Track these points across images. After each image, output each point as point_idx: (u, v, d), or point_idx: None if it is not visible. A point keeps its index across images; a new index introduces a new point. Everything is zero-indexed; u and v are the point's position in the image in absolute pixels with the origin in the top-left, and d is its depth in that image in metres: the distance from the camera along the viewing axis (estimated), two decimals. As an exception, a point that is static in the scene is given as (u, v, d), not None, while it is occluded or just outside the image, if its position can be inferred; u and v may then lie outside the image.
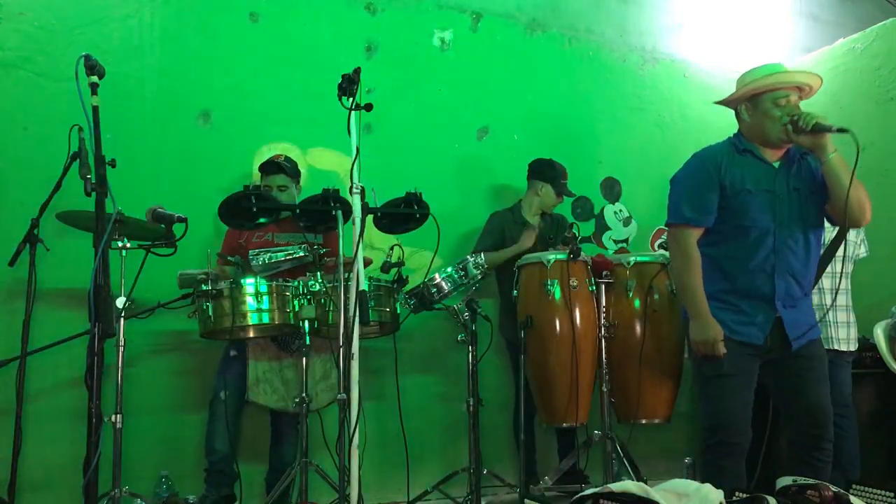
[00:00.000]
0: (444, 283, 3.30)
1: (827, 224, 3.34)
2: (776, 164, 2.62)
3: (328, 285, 3.04)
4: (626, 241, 4.92)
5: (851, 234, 3.46)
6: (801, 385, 2.60)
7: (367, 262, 3.25)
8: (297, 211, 2.92)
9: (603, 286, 3.57)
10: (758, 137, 2.61)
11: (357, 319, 2.40)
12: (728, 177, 2.58)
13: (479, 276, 3.36)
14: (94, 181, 2.18)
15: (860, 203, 2.52)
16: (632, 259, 3.58)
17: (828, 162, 2.48)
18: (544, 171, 4.07)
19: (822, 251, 3.31)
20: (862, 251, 3.59)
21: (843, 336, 3.40)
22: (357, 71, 2.64)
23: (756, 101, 2.60)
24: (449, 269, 3.33)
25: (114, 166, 2.26)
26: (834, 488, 2.02)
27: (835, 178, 2.48)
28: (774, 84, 2.56)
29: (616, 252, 4.78)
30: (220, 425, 3.33)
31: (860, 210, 2.53)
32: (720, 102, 2.76)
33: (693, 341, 2.59)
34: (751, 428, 2.59)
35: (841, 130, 2.41)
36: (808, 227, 2.61)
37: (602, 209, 4.86)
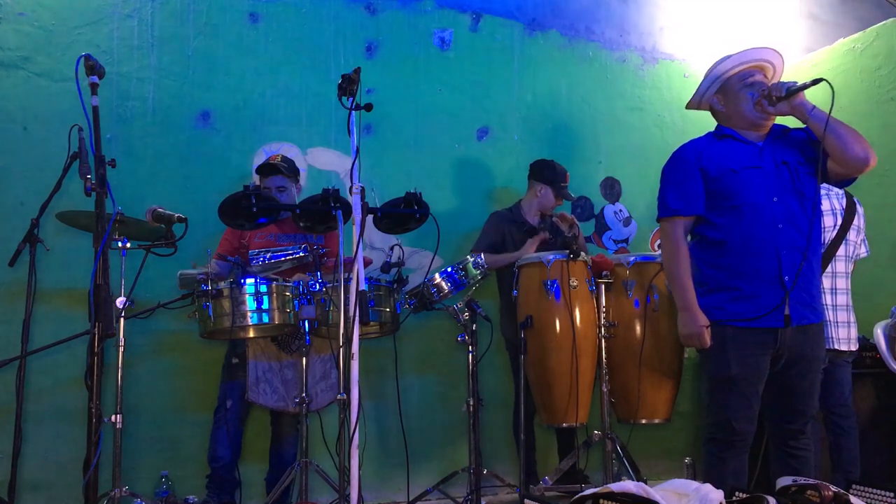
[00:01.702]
0: (444, 283, 3.30)
1: (827, 223, 3.35)
2: (760, 144, 2.63)
3: (328, 285, 3.05)
4: (626, 241, 4.92)
5: (852, 234, 3.46)
6: (795, 387, 2.61)
7: (366, 262, 3.25)
8: (297, 211, 2.91)
9: (603, 286, 3.57)
10: (738, 122, 2.63)
11: (357, 319, 2.40)
12: (708, 161, 2.61)
13: (479, 276, 3.36)
14: (94, 181, 2.18)
15: (861, 143, 2.48)
16: (632, 259, 3.58)
17: (811, 118, 2.49)
18: (544, 173, 4.07)
19: (822, 250, 3.32)
20: (862, 251, 3.59)
21: (843, 336, 3.39)
22: (357, 71, 2.63)
23: (725, 88, 2.64)
24: (449, 269, 3.33)
25: (114, 166, 2.26)
26: (834, 488, 2.02)
27: (821, 122, 2.46)
28: (735, 67, 2.61)
29: (616, 252, 4.78)
30: (223, 433, 3.33)
31: (864, 150, 2.48)
32: (691, 106, 2.80)
33: (680, 334, 2.61)
34: (755, 422, 2.58)
35: (814, 82, 2.44)
36: (804, 198, 2.59)
37: (602, 209, 4.86)
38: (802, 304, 2.55)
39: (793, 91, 2.46)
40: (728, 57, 2.65)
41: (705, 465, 2.66)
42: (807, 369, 2.60)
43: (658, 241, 4.64)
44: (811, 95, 2.50)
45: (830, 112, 2.44)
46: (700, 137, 2.74)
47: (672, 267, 2.65)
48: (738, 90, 2.61)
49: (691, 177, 2.62)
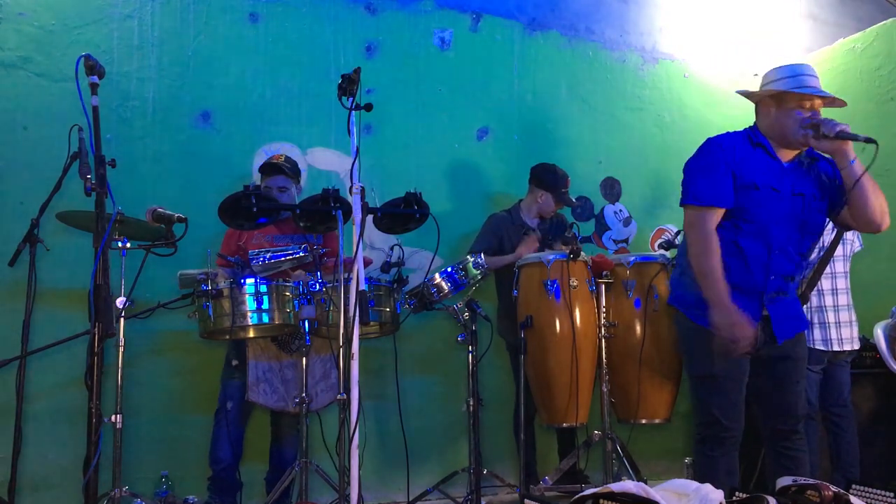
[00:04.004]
0: (444, 283, 3.30)
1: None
2: (787, 165, 2.60)
3: (328, 285, 3.05)
4: (626, 241, 4.92)
5: (849, 233, 3.46)
6: (780, 386, 2.64)
7: (366, 262, 3.25)
8: (297, 211, 2.91)
9: (603, 286, 3.57)
10: (776, 135, 2.58)
11: (357, 319, 2.40)
12: (739, 166, 2.56)
13: (479, 276, 3.36)
14: (94, 181, 2.18)
15: (881, 209, 2.52)
16: (632, 259, 3.58)
17: (848, 167, 2.46)
18: (545, 179, 4.03)
19: (821, 253, 3.32)
20: (857, 246, 3.61)
21: (843, 336, 3.40)
22: (357, 71, 2.63)
23: (781, 99, 2.56)
24: (449, 269, 3.33)
25: (114, 166, 2.26)
26: (834, 488, 2.02)
27: (854, 177, 2.46)
28: (801, 93, 2.52)
29: (616, 252, 4.78)
30: (224, 434, 3.33)
31: (881, 215, 2.52)
32: (743, 93, 2.70)
33: (716, 326, 2.49)
34: (743, 419, 2.61)
35: (868, 140, 2.38)
36: (806, 231, 2.61)
37: (602, 209, 4.86)
38: (787, 317, 2.62)
39: (842, 137, 2.41)
40: (799, 72, 2.55)
41: (698, 466, 2.67)
42: (792, 368, 2.64)
43: (658, 241, 4.63)
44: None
45: (868, 167, 2.44)
46: (735, 134, 2.66)
47: (703, 260, 2.53)
48: (793, 108, 2.52)
49: (725, 173, 2.55)
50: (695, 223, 2.57)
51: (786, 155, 2.60)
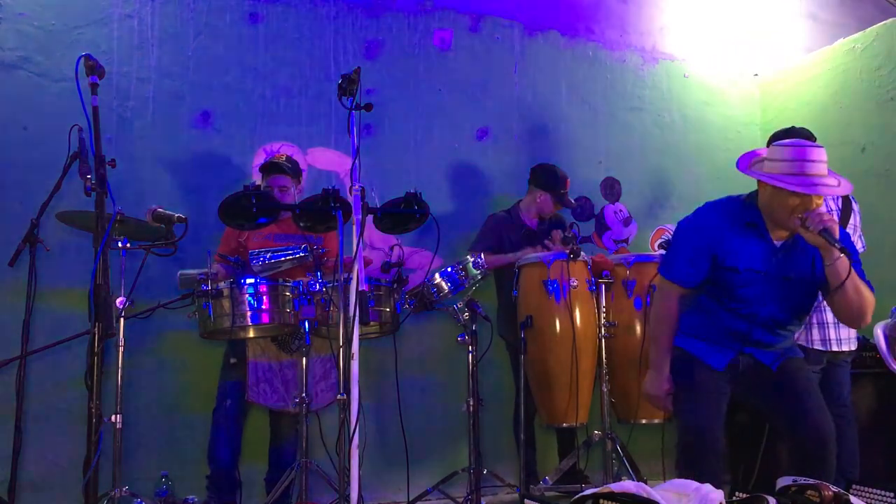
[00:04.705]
0: (443, 283, 3.30)
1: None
2: (778, 244, 2.57)
3: (328, 285, 3.05)
4: (626, 241, 4.91)
5: (849, 229, 3.45)
6: (790, 400, 2.60)
7: (367, 262, 3.25)
8: (297, 211, 2.91)
9: (603, 286, 3.57)
10: (768, 215, 2.55)
11: (357, 319, 2.40)
12: (722, 249, 2.56)
13: (479, 276, 3.37)
14: (94, 181, 2.18)
15: (860, 308, 2.50)
16: (632, 259, 3.58)
17: (832, 266, 2.43)
18: (544, 180, 4.03)
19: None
20: (859, 246, 3.59)
21: (842, 336, 3.39)
22: (357, 71, 2.63)
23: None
24: (449, 269, 3.34)
25: (114, 166, 2.26)
26: (834, 488, 2.02)
27: (836, 281, 2.44)
28: (798, 190, 2.42)
29: (616, 252, 4.77)
30: (222, 433, 3.34)
31: (860, 314, 2.52)
32: (740, 168, 2.60)
33: (644, 391, 2.74)
34: (722, 435, 2.61)
35: (842, 251, 2.36)
36: (789, 311, 2.62)
37: (602, 209, 4.86)
38: (776, 356, 2.65)
39: (823, 236, 2.36)
40: (798, 158, 2.42)
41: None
42: (792, 376, 2.63)
43: (658, 241, 4.63)
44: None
45: (847, 277, 2.41)
46: (730, 207, 2.62)
47: (657, 326, 2.72)
48: (785, 196, 2.44)
49: (702, 256, 2.58)
50: (663, 291, 2.75)
51: (780, 234, 2.56)
